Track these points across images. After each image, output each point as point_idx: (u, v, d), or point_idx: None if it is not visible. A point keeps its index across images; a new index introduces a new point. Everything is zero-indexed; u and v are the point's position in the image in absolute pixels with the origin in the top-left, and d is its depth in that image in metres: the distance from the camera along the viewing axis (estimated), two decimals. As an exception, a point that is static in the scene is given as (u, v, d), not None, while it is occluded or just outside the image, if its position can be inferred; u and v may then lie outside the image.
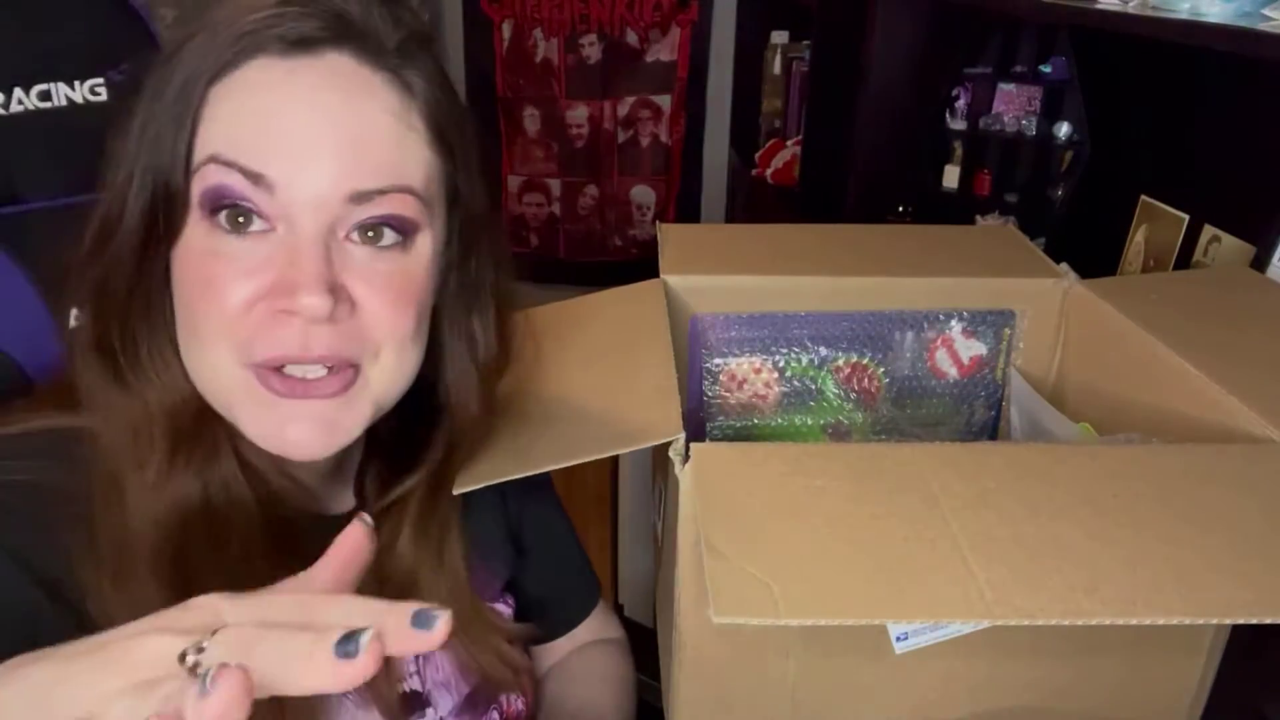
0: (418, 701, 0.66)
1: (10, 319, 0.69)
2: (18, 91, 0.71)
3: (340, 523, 0.61)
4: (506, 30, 2.69)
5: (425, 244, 0.56)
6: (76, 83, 0.73)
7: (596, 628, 0.85)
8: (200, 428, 0.55)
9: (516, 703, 0.73)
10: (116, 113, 0.54)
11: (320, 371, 0.53)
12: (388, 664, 0.63)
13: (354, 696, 0.62)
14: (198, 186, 0.51)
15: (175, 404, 0.55)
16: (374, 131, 0.52)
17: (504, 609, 0.73)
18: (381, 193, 0.52)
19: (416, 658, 0.66)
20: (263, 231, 0.51)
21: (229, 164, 0.50)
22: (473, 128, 0.60)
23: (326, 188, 0.51)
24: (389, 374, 0.56)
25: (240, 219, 0.51)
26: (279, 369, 0.52)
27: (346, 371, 0.54)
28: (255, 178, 0.50)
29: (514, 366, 0.70)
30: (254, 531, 0.55)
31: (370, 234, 0.53)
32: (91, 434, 0.55)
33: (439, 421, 0.64)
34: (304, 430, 0.53)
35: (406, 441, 0.64)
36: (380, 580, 0.63)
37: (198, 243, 0.52)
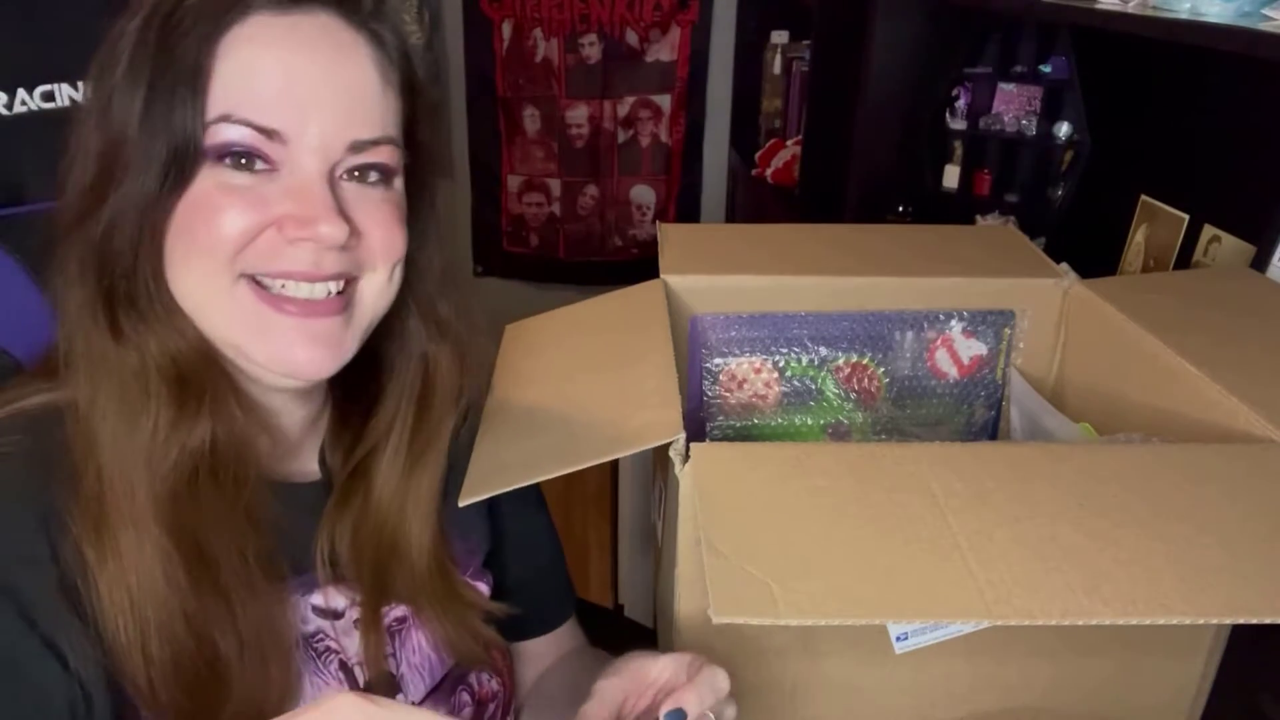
0: (391, 685, 0.66)
1: (13, 319, 0.69)
2: (21, 92, 0.71)
3: (303, 491, 0.62)
4: (506, 30, 2.68)
5: (399, 184, 0.62)
6: (80, 83, 0.73)
7: (578, 635, 0.85)
8: (205, 374, 0.58)
9: (490, 682, 0.73)
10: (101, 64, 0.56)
11: (323, 293, 0.58)
12: (376, 645, 0.64)
13: (335, 682, 0.62)
14: (210, 140, 0.54)
15: (180, 350, 0.57)
16: (364, 86, 0.58)
17: (482, 587, 0.73)
18: (374, 143, 0.58)
19: (393, 638, 0.67)
20: (267, 171, 0.55)
21: (242, 122, 0.54)
22: (424, 74, 0.64)
23: (331, 136, 0.56)
24: (378, 288, 0.61)
25: (244, 160, 0.55)
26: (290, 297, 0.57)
27: (348, 289, 0.59)
28: (268, 133, 0.54)
29: (515, 372, 0.71)
30: (246, 480, 0.59)
31: (358, 174, 0.59)
32: (69, 405, 0.56)
33: (394, 383, 0.67)
34: (311, 349, 0.58)
35: (364, 402, 0.67)
36: (358, 549, 0.63)
37: (206, 182, 0.55)
